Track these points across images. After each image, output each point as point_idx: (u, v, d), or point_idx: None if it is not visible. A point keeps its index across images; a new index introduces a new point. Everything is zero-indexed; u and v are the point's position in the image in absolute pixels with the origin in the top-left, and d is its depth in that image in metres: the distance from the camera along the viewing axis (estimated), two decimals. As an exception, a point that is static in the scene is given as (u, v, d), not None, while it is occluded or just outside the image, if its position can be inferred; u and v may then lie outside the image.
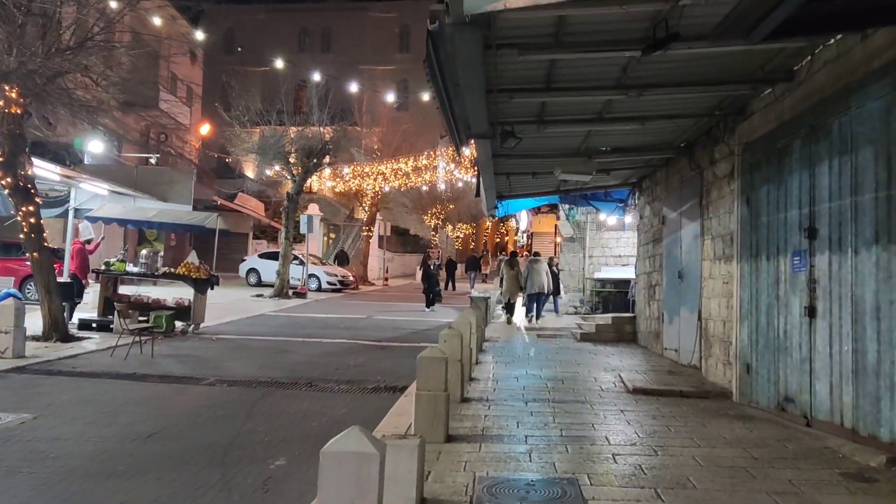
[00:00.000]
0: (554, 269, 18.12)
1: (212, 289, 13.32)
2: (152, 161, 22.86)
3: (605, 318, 14.22)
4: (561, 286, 18.51)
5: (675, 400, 8.07)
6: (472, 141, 8.74)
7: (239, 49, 51.83)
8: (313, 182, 31.35)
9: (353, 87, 21.66)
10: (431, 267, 19.42)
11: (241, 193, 30.54)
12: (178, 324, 13.01)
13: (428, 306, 19.08)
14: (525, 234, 38.31)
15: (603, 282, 18.43)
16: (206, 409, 7.25)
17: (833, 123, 6.32)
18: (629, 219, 17.18)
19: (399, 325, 15.94)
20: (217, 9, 54.16)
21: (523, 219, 34.26)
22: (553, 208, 29.16)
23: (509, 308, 16.79)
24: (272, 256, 25.09)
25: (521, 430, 6.32)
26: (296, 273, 25.24)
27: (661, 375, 9.63)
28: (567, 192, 13.70)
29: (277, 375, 9.22)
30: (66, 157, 16.84)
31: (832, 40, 6.30)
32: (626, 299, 17.27)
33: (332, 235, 45.44)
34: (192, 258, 13.36)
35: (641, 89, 7.21)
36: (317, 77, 20.37)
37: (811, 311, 6.50)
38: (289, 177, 22.17)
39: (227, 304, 19.34)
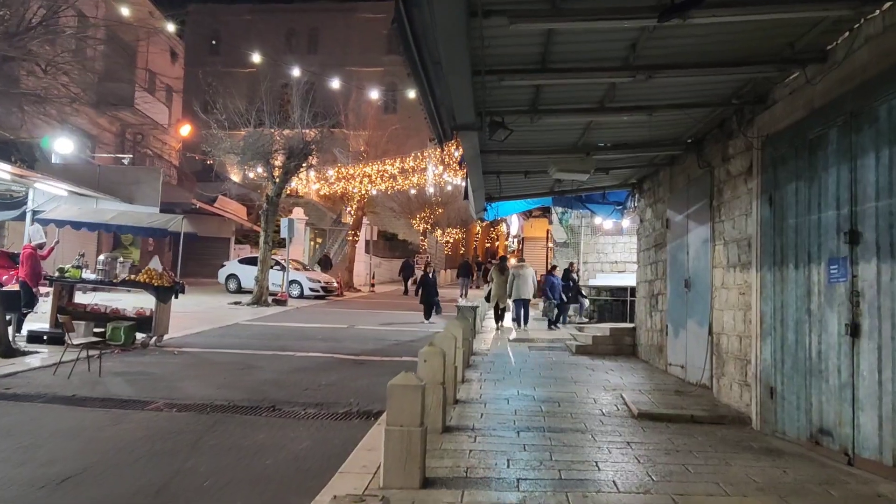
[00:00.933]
0: (574, 275, 17.08)
1: (176, 297, 12.24)
2: (124, 162, 21.75)
3: (603, 330, 13.24)
4: (583, 293, 17.35)
5: (688, 427, 7.08)
6: (457, 134, 7.74)
7: (213, 42, 50.84)
8: (299, 185, 30.30)
9: (335, 84, 20.61)
10: (430, 275, 18.17)
11: (220, 196, 29.39)
12: (140, 336, 11.92)
13: (427, 318, 17.80)
14: (516, 239, 37.31)
15: (598, 289, 17.48)
16: (143, 442, 6.19)
17: (880, 108, 5.36)
18: (627, 222, 16.24)
19: (382, 336, 14.90)
20: (203, 9, 53.35)
21: (514, 223, 33.28)
22: (545, 212, 28.22)
23: (498, 314, 16.90)
24: (253, 262, 23.98)
25: (513, 471, 5.31)
26: (277, 279, 24.17)
27: (667, 396, 8.64)
28: (562, 194, 12.73)
29: (237, 397, 8.16)
30: (14, 154, 15.67)
31: (877, 11, 5.36)
32: (623, 308, 16.33)
33: (319, 240, 44.35)
34: (155, 264, 12.27)
35: (651, 71, 6.23)
36: (296, 73, 19.28)
37: (854, 330, 5.52)
38: (268, 179, 21.10)
39: (201, 313, 18.25)
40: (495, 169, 10.53)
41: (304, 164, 21.40)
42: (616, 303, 16.78)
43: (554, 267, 16.88)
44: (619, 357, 12.27)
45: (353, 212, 31.48)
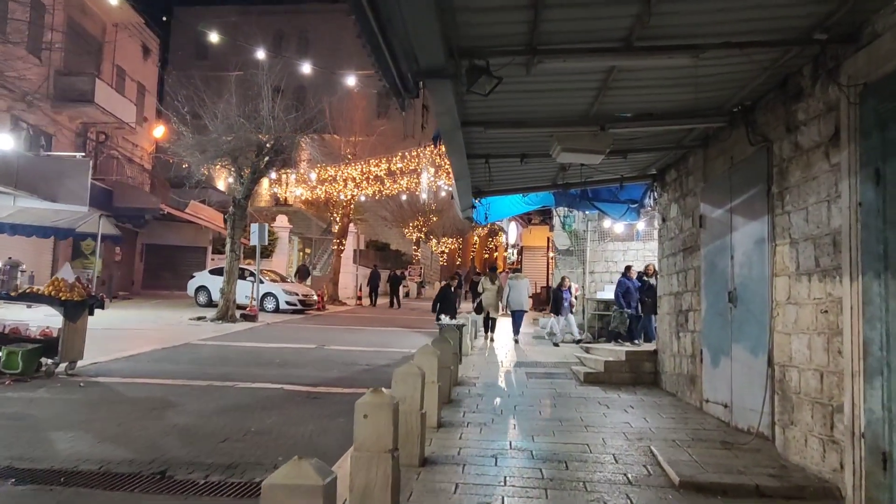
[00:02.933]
0: (651, 281, 13.52)
1: (91, 314, 9.95)
2: (50, 153, 19.54)
3: (617, 353, 10.95)
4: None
5: (758, 508, 4.81)
6: (425, 88, 5.51)
7: (202, 43, 48.85)
8: (278, 189, 28.09)
9: (306, 69, 18.50)
10: (452, 288, 15.27)
11: (193, 202, 27.14)
12: (48, 362, 9.63)
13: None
14: (514, 249, 35.07)
15: (607, 303, 15.21)
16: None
17: None
18: (641, 225, 13.99)
19: (353, 359, 12.61)
20: (188, 12, 51.42)
21: (512, 231, 31.08)
22: (546, 218, 25.98)
23: (488, 324, 16.34)
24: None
25: None
26: (251, 291, 21.87)
27: (713, 451, 6.36)
28: (566, 188, 10.45)
29: (119, 457, 5.87)
30: None
31: None
32: (636, 326, 14.06)
33: (308, 250, 42.11)
34: (66, 273, 9.98)
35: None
36: (261, 55, 17.04)
37: None
38: (236, 179, 18.87)
39: (153, 331, 15.98)
40: (482, 151, 8.29)
41: (275, 164, 19.15)
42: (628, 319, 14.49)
43: (628, 268, 13.91)
44: (638, 388, 9.98)
45: (338, 219, 29.22)
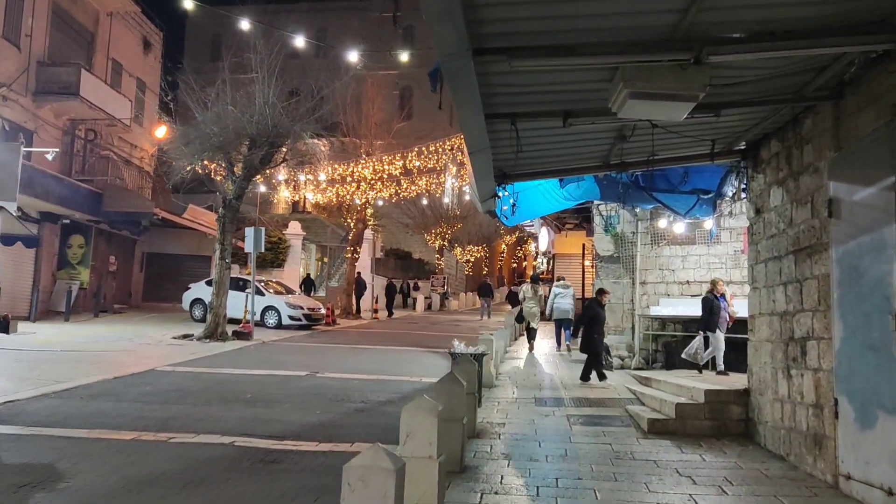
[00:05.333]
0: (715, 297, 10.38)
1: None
2: (49, 157, 17.37)
3: (690, 391, 8.20)
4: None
5: None
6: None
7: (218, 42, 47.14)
8: (287, 191, 25.77)
9: (300, 42, 16.12)
10: (603, 304, 11.54)
11: (192, 206, 24.91)
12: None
13: (586, 377, 11.08)
14: (546, 257, 32.33)
15: (663, 321, 12.45)
16: None
17: None
18: (709, 224, 11.22)
19: (347, 392, 10.03)
20: (204, 11, 49.86)
21: (543, 237, 28.33)
22: (582, 221, 23.22)
23: (530, 334, 16.01)
24: (224, 283, 19.33)
25: None
26: (255, 305, 19.47)
27: None
28: (623, 169, 7.71)
29: None
30: None
31: None
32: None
33: (326, 259, 39.80)
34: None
35: None
36: (245, 25, 14.59)
37: None
38: (227, 176, 16.51)
39: (124, 352, 13.64)
40: (507, 106, 5.70)
41: (272, 160, 16.73)
42: (690, 341, 11.73)
43: (715, 282, 10.32)
44: (726, 443, 7.24)
45: (352, 225, 26.76)
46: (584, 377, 10.87)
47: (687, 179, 8.67)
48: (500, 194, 8.02)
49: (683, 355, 10.11)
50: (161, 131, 26.96)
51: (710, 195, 8.93)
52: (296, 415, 8.35)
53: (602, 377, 10.87)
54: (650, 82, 4.80)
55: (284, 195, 32.32)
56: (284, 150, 16.77)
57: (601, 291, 11.74)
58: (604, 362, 11.26)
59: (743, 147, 7.63)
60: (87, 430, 7.17)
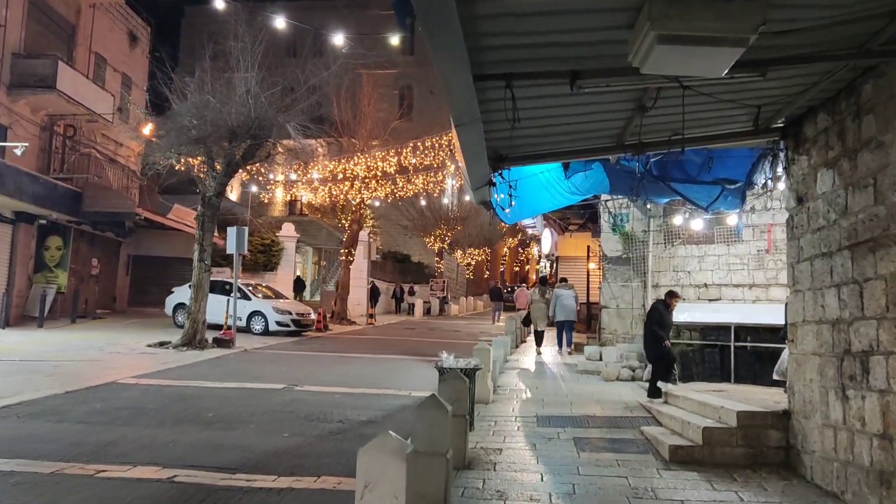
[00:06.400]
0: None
1: None
2: (17, 152, 16.29)
3: (718, 411, 7.02)
4: None
5: None
6: None
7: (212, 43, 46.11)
8: (277, 190, 24.65)
9: (280, 23, 15.04)
10: (670, 307, 9.50)
11: (177, 206, 23.79)
12: None
13: (655, 394, 9.19)
14: (549, 260, 31.16)
15: (678, 328, 11.28)
16: None
17: None
18: (732, 219, 10.07)
19: (324, 409, 8.88)
20: (198, 11, 48.83)
21: (546, 239, 27.20)
22: (585, 223, 22.09)
23: (538, 337, 16.24)
24: (210, 287, 18.21)
25: None
26: (240, 310, 18.37)
27: None
28: (639, 150, 6.52)
29: None
30: None
31: None
32: (722, 360, 10.19)
33: (323, 263, 38.69)
34: None
35: None
36: (220, 4, 13.46)
37: None
38: (207, 172, 15.39)
39: (89, 361, 12.53)
40: (500, 65, 4.56)
41: (257, 153, 15.61)
42: (710, 350, 10.60)
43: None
44: (763, 475, 6.09)
45: (347, 226, 25.62)
46: (654, 393, 9.04)
47: (710, 167, 7.52)
48: (496, 181, 6.88)
49: (775, 375, 8.42)
50: (148, 129, 25.91)
51: (738, 185, 7.78)
52: (259, 438, 7.21)
53: (657, 394, 9.25)
54: (685, 21, 3.67)
55: (278, 196, 31.18)
56: (269, 143, 15.62)
57: (671, 294, 9.65)
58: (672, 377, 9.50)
59: (781, 125, 6.49)
60: (6, 459, 6.04)
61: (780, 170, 6.77)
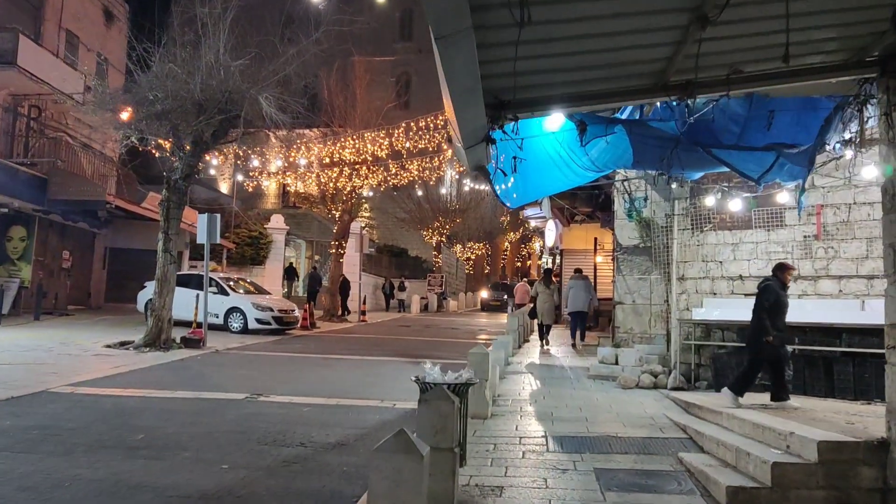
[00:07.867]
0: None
1: None
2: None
3: (787, 438, 5.39)
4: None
5: None
6: None
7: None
8: (262, 178, 23.00)
9: None
10: (781, 297, 7.35)
11: (151, 194, 22.15)
12: None
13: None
14: (552, 254, 29.54)
15: (708, 327, 9.67)
16: None
17: None
18: (783, 196, 8.43)
19: (287, 428, 7.27)
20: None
21: (550, 231, 25.61)
22: (594, 212, 20.42)
23: (544, 332, 15.79)
24: (184, 281, 16.65)
25: None
26: (214, 306, 16.80)
27: None
28: (688, 95, 4.86)
29: None
30: None
31: None
32: (759, 365, 8.52)
33: (318, 257, 37.05)
34: None
35: None
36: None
37: None
38: (174, 152, 13.77)
39: (31, 365, 10.97)
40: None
41: (229, 132, 13.99)
42: (743, 352, 8.97)
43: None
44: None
45: (337, 216, 24.00)
46: (779, 396, 7.16)
47: (771, 123, 5.87)
48: (497, 140, 5.25)
49: None
50: (126, 114, 24.25)
51: (802, 149, 6.13)
52: (190, 472, 5.60)
53: (739, 393, 7.31)
54: None
55: (272, 188, 29.61)
56: (240, 120, 13.86)
57: (782, 267, 7.56)
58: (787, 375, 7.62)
59: (875, 58, 4.84)
60: None
61: (869, 122, 5.13)
